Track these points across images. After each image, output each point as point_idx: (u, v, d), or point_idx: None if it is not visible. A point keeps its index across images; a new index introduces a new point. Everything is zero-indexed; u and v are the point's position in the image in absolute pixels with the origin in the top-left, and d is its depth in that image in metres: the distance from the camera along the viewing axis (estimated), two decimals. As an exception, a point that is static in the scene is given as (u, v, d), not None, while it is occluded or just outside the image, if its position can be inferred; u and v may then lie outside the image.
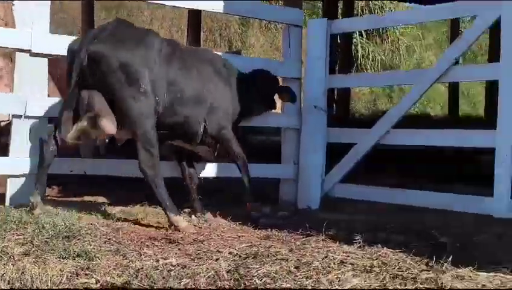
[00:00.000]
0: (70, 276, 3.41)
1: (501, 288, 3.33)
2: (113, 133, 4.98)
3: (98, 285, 3.32)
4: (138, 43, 5.00)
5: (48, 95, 5.73)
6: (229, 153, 5.65)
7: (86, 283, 3.32)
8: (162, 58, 5.11)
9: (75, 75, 4.83)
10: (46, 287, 3.32)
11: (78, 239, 4.23)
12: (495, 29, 5.34)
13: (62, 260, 3.68)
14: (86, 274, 3.43)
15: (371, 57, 23.49)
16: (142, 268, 3.57)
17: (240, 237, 4.76)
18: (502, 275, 3.51)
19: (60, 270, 3.47)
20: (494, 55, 5.52)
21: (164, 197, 4.98)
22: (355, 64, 22.60)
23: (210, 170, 6.18)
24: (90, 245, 4.08)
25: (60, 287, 3.29)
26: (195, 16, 13.08)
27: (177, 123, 5.27)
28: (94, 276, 3.40)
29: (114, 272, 3.50)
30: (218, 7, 6.18)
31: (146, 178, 4.96)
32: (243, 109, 5.73)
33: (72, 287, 3.28)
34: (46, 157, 5.03)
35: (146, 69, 4.93)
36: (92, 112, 4.87)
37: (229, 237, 4.74)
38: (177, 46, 5.44)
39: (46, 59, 5.54)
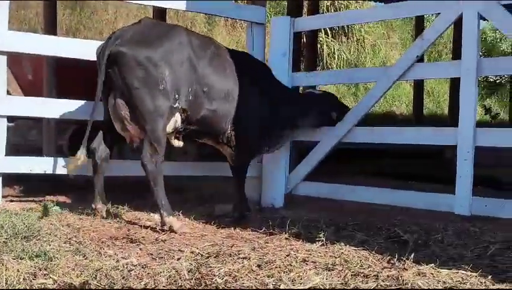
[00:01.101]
0: (28, 276, 3.34)
1: (462, 285, 3.34)
2: (140, 137, 5.10)
3: (56, 285, 3.26)
4: (160, 41, 5.02)
5: (10, 94, 5.64)
6: (234, 157, 5.73)
7: (43, 283, 3.26)
8: (189, 53, 5.14)
9: (100, 78, 4.93)
10: (1, 288, 3.25)
11: (38, 239, 4.19)
12: (459, 27, 5.35)
13: (20, 261, 3.61)
14: (44, 275, 3.37)
15: (336, 55, 23.53)
16: (102, 268, 3.52)
17: (202, 236, 4.75)
18: (463, 271, 3.52)
19: (18, 270, 3.40)
20: (457, 53, 5.57)
21: (161, 196, 4.96)
22: (321, 63, 22.66)
23: (173, 169, 6.13)
24: (50, 245, 4.03)
25: (16, 288, 3.23)
26: (160, 14, 12.97)
27: (205, 118, 5.33)
28: (52, 276, 3.33)
29: (73, 272, 3.44)
30: (181, 5, 6.13)
31: (146, 174, 4.96)
32: (278, 119, 5.84)
33: (28, 288, 3.21)
34: (98, 164, 5.33)
35: (166, 66, 4.96)
36: (121, 116, 5.03)
37: (191, 236, 4.72)
38: (210, 42, 5.55)
39: (5, 57, 5.44)
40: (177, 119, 5.17)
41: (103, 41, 5.15)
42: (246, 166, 5.81)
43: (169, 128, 5.16)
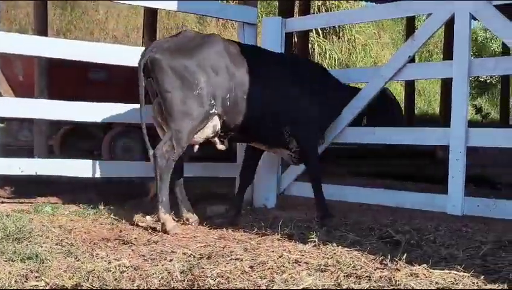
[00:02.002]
0: (20, 279, 3.33)
1: (454, 285, 3.35)
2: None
3: (48, 288, 3.24)
4: (196, 49, 5.14)
5: (1, 95, 5.62)
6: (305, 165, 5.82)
7: (35, 285, 3.24)
8: (225, 61, 5.22)
9: (140, 84, 5.04)
10: (-8, 291, 3.24)
11: (29, 241, 4.18)
12: (450, 28, 5.36)
13: (11, 263, 3.60)
14: (35, 277, 3.36)
15: (327, 55, 23.58)
16: (94, 270, 3.51)
17: (194, 237, 4.74)
18: (456, 272, 3.53)
19: (9, 273, 3.39)
20: (449, 53, 5.56)
21: (163, 192, 4.96)
22: (312, 63, 22.67)
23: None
24: (42, 247, 4.02)
25: (8, 291, 3.22)
26: (151, 14, 12.97)
27: (248, 123, 5.35)
28: (44, 279, 3.32)
29: (65, 274, 3.43)
30: (173, 5, 6.12)
31: (155, 166, 4.97)
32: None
33: (20, 290, 3.20)
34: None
35: (201, 73, 5.07)
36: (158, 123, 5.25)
37: (183, 237, 4.71)
38: (251, 49, 5.69)
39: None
40: (215, 124, 5.24)
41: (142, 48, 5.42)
42: (316, 163, 5.73)
43: (209, 132, 5.26)
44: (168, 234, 4.77)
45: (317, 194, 5.56)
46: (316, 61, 22.26)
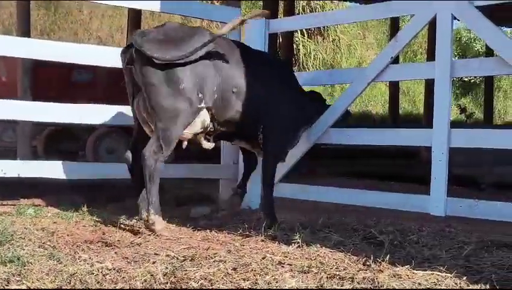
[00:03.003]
0: (1, 282, 3.30)
1: (437, 286, 3.36)
2: None
3: (29, 291, 3.23)
4: (181, 42, 4.95)
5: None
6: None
7: (16, 289, 3.22)
8: (212, 54, 5.07)
9: (126, 81, 5.08)
10: (-27, 295, 3.22)
11: (11, 244, 4.14)
12: (434, 28, 5.37)
13: (-7, 267, 3.58)
14: (17, 281, 3.33)
15: (312, 55, 23.63)
16: (76, 273, 3.48)
17: (178, 239, 4.72)
18: (438, 272, 3.54)
19: (-9, 276, 3.37)
20: (432, 54, 5.60)
21: (153, 193, 4.85)
22: (297, 63, 22.72)
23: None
24: (24, 250, 3.98)
25: (-12, 295, 3.20)
26: (135, 14, 12.96)
27: (234, 119, 5.28)
28: (25, 282, 3.29)
29: (47, 277, 3.40)
30: (156, 6, 6.11)
31: (144, 168, 4.85)
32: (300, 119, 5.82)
33: (1, 295, 3.18)
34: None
35: (187, 67, 4.92)
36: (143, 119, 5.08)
37: (167, 239, 4.68)
38: (236, 44, 5.55)
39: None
40: (205, 119, 5.13)
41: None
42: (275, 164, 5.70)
43: (197, 128, 5.15)
44: (156, 233, 4.76)
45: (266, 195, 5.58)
46: (301, 61, 22.30)
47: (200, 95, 4.98)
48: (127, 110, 5.85)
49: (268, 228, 4.94)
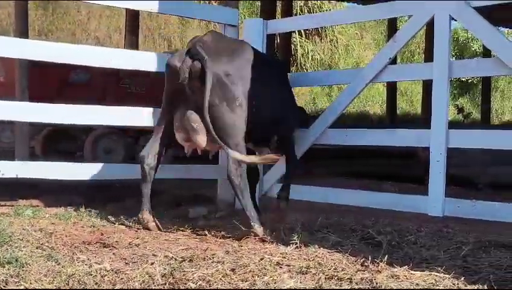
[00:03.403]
0: (-1, 284, 3.30)
1: (435, 287, 3.36)
2: (204, 147, 5.18)
3: (28, 293, 3.22)
4: (233, 55, 5.10)
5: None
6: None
7: (14, 290, 3.22)
8: (253, 67, 5.16)
9: (169, 88, 5.14)
10: (-29, 297, 3.21)
11: (9, 245, 4.13)
12: (432, 29, 5.37)
13: (-9, 267, 3.57)
14: (15, 282, 3.32)
15: (310, 56, 23.64)
16: (74, 274, 3.48)
17: (176, 239, 4.72)
18: (436, 273, 3.54)
19: (-11, 278, 3.36)
20: (430, 54, 5.60)
21: (249, 207, 4.95)
22: (295, 64, 22.72)
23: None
24: (22, 251, 3.97)
25: (-14, 297, 3.19)
26: (133, 15, 12.96)
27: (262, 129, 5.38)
28: (23, 283, 3.29)
29: (45, 278, 3.40)
30: (153, 7, 6.10)
31: (234, 188, 4.98)
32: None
33: (-1, 296, 3.18)
34: (148, 174, 5.23)
35: (240, 81, 5.03)
36: (190, 128, 5.05)
37: (165, 240, 4.69)
38: (263, 56, 5.68)
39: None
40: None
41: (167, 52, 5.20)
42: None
43: None
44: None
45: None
46: (299, 62, 22.32)
47: (253, 109, 5.11)
48: (124, 111, 5.86)
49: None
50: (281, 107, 5.56)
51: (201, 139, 5.05)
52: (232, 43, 5.38)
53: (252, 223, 4.85)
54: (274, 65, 5.97)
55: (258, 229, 4.83)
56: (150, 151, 5.24)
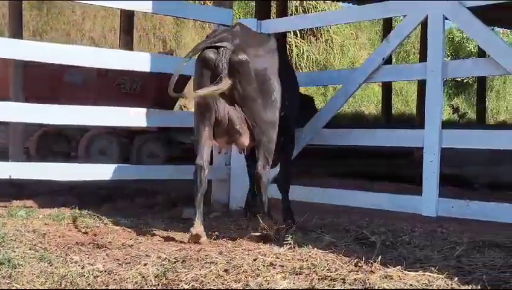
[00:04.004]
0: (-10, 285, 3.29)
1: (428, 287, 3.36)
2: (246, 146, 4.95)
3: (19, 294, 3.21)
4: (267, 50, 4.90)
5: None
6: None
7: (6, 292, 3.21)
8: (281, 63, 5.00)
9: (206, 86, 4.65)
10: (-37, 299, 3.20)
11: (2, 246, 4.12)
12: (426, 29, 5.38)
13: (-17, 269, 3.56)
14: (7, 283, 3.32)
15: (305, 56, 23.64)
16: (67, 275, 3.47)
17: (170, 240, 4.71)
18: (430, 273, 3.53)
19: (-19, 279, 3.35)
20: (425, 54, 5.58)
21: (266, 203, 4.83)
22: (290, 64, 22.71)
23: (141, 172, 6.10)
24: (14, 252, 3.96)
25: (-23, 298, 3.18)
26: (127, 15, 12.94)
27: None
28: (16, 285, 3.28)
29: (37, 280, 3.39)
30: (148, 7, 6.09)
31: (261, 185, 4.75)
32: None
33: (-10, 297, 3.17)
34: (205, 183, 4.79)
35: (274, 76, 4.82)
36: (233, 131, 4.78)
37: (158, 240, 4.68)
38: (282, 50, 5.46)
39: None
40: None
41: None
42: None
43: None
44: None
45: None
46: (294, 62, 22.33)
47: (279, 106, 4.91)
48: (118, 111, 5.86)
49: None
50: (293, 106, 5.36)
51: (246, 140, 4.85)
52: (261, 37, 5.18)
53: (263, 216, 4.74)
54: (286, 61, 5.72)
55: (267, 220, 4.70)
56: (205, 160, 4.78)
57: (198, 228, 4.61)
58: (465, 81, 29.48)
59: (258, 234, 4.66)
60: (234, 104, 4.69)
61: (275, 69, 4.89)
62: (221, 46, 4.61)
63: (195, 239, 4.56)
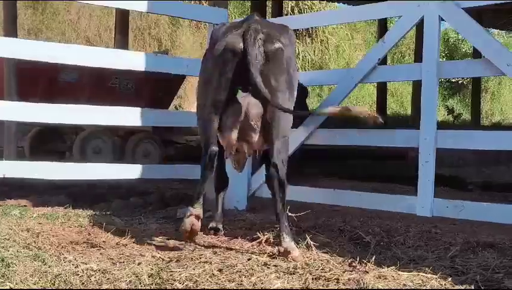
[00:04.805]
0: (-16, 284, 3.28)
1: (422, 287, 3.36)
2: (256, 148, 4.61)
3: (13, 293, 3.20)
4: (289, 40, 4.57)
5: None
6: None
7: (-1, 290, 3.20)
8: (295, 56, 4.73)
9: (229, 76, 4.28)
10: (-44, 297, 3.19)
11: (-5, 245, 4.11)
12: (421, 29, 5.38)
13: (-24, 267, 3.55)
14: (0, 282, 3.30)
15: (301, 56, 23.65)
16: (61, 274, 3.47)
17: (164, 239, 4.70)
18: (423, 274, 3.55)
19: (-26, 278, 3.34)
20: (420, 55, 5.59)
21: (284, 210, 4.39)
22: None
23: (136, 172, 6.09)
24: (8, 251, 3.94)
25: (-28, 297, 3.17)
26: (123, 14, 12.91)
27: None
28: (9, 284, 3.27)
29: (31, 279, 3.38)
30: (143, 6, 6.09)
31: (281, 186, 4.36)
32: None
33: (-17, 296, 3.16)
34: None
35: (295, 68, 4.56)
36: (248, 126, 4.36)
37: (152, 240, 4.67)
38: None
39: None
40: None
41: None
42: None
43: None
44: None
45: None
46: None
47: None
48: (114, 110, 5.85)
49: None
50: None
51: (259, 141, 4.45)
52: (280, 26, 4.76)
53: (284, 235, 4.24)
54: None
55: (290, 241, 4.17)
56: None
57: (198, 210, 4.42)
58: (460, 82, 29.53)
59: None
60: (256, 100, 4.28)
61: (295, 60, 4.64)
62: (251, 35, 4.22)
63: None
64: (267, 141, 4.42)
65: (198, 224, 4.41)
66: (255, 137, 4.41)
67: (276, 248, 4.15)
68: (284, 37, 4.49)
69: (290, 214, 4.54)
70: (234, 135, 4.40)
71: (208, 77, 4.51)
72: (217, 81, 4.35)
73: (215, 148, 4.38)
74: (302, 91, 5.56)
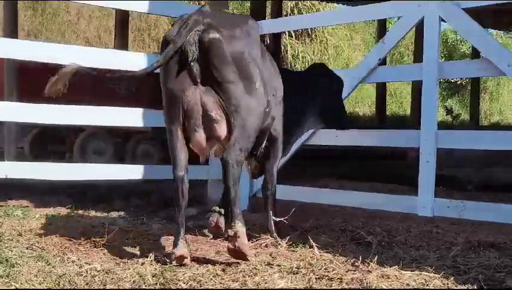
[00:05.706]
0: (-12, 285, 3.29)
1: (425, 286, 3.38)
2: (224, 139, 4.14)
3: (18, 293, 3.22)
4: (244, 32, 4.17)
5: None
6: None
7: (4, 291, 3.22)
8: (261, 49, 4.39)
9: (177, 70, 4.01)
10: (-39, 297, 3.21)
11: (-1, 245, 4.12)
12: (420, 30, 5.40)
13: (-19, 268, 3.56)
14: (5, 282, 3.32)
15: (300, 57, 23.63)
16: (65, 274, 3.49)
17: (167, 239, 4.71)
18: (426, 273, 3.56)
19: (-21, 278, 3.36)
20: (419, 55, 5.56)
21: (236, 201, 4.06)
22: (285, 65, 22.72)
23: (137, 173, 6.09)
24: (12, 251, 3.97)
25: (-24, 298, 3.18)
26: (122, 15, 12.92)
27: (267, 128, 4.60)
28: (14, 284, 3.29)
29: (35, 279, 3.40)
30: (143, 7, 6.10)
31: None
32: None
33: (-11, 296, 3.17)
34: (185, 197, 4.15)
35: (254, 61, 4.15)
36: (209, 117, 4.02)
37: (155, 240, 4.68)
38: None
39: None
40: None
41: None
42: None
43: None
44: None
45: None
46: (289, 62, 22.32)
47: (268, 98, 4.33)
48: (113, 111, 5.85)
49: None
50: (281, 108, 4.82)
51: (223, 129, 4.06)
52: (236, 18, 4.60)
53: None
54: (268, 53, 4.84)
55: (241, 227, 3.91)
56: (184, 167, 4.15)
57: (182, 249, 3.88)
58: (459, 82, 29.53)
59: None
60: (208, 88, 4.00)
61: (256, 55, 4.24)
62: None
63: (179, 261, 3.84)
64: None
65: (186, 261, 3.91)
66: (222, 126, 4.05)
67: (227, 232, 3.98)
68: (236, 28, 4.14)
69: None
70: (200, 135, 4.08)
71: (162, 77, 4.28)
72: (163, 81, 4.20)
73: (179, 173, 4.11)
74: (337, 82, 5.36)
